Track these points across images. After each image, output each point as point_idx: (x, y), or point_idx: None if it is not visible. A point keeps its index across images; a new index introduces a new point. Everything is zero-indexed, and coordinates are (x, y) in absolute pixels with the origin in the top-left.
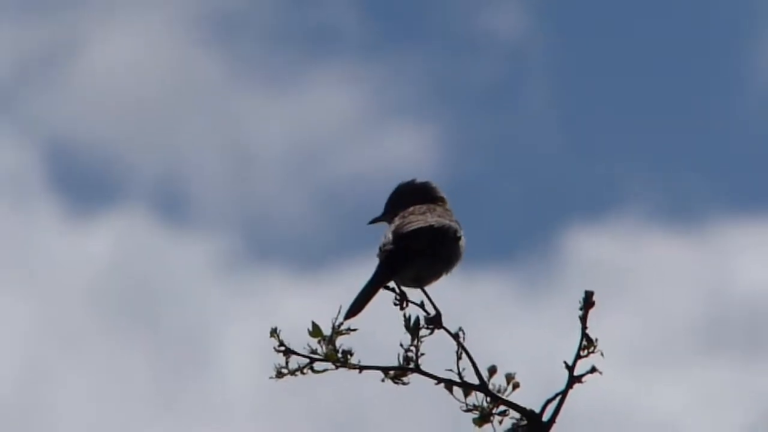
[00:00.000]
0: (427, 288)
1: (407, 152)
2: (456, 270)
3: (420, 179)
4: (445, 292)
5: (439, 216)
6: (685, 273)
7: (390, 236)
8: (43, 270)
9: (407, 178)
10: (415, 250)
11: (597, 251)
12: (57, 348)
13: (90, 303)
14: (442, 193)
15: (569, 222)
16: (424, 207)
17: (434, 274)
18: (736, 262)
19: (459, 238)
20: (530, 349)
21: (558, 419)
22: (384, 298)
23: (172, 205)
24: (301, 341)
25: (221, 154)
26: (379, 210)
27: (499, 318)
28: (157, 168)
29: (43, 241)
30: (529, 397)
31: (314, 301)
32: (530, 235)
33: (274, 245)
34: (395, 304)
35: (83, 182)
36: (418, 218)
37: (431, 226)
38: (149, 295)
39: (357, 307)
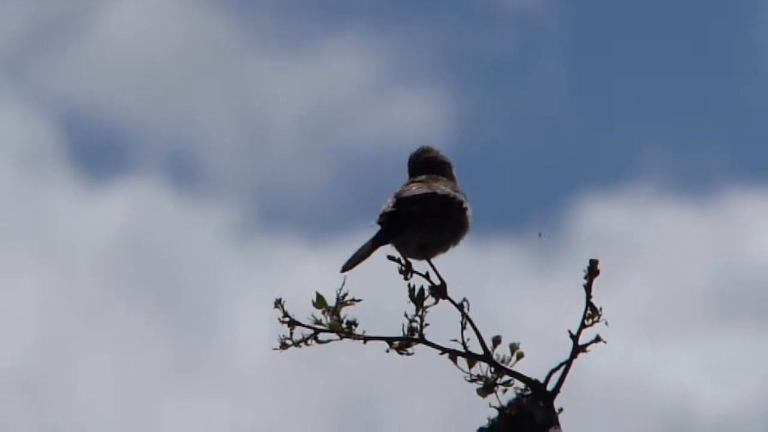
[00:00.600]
0: (433, 259)
1: (420, 121)
2: (463, 242)
3: (425, 150)
4: (454, 262)
5: (444, 185)
6: (698, 243)
7: (391, 201)
8: (57, 238)
9: (415, 149)
10: (416, 215)
11: (609, 222)
12: (70, 317)
13: (104, 271)
14: (448, 161)
15: (581, 193)
16: (425, 176)
17: (440, 244)
18: (748, 232)
19: (465, 209)
20: (538, 319)
21: (563, 388)
22: (389, 268)
23: (186, 172)
24: (311, 310)
25: (235, 122)
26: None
27: (508, 289)
28: (172, 135)
29: (57, 209)
30: (537, 367)
31: (328, 268)
32: (541, 205)
33: (287, 213)
34: (400, 273)
35: (97, 150)
36: (421, 186)
37: (434, 193)
38: (163, 263)
39: (350, 263)
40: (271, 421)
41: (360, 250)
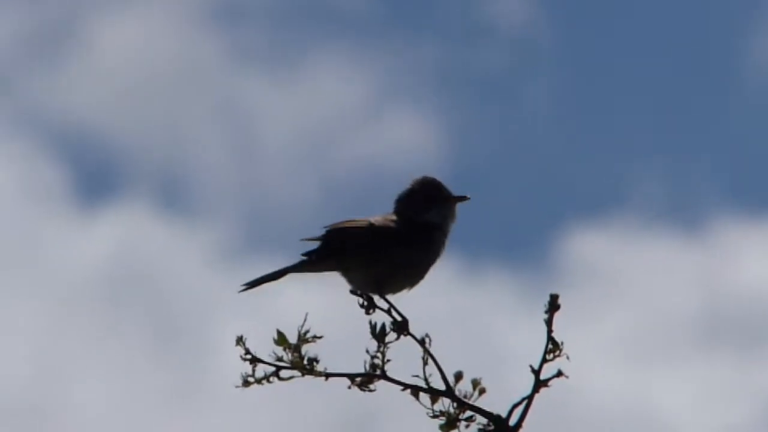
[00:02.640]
0: (393, 297)
1: (410, 140)
2: (425, 277)
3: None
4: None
5: (385, 219)
6: (686, 272)
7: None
8: (45, 260)
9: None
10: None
11: (595, 249)
12: (58, 343)
13: (93, 297)
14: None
15: (569, 219)
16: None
17: (387, 280)
18: (736, 260)
19: (412, 245)
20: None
21: (525, 423)
22: (351, 304)
23: (174, 193)
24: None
25: (223, 141)
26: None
27: (494, 319)
28: (159, 155)
29: (44, 232)
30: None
31: (314, 292)
32: (529, 232)
33: (276, 234)
34: (361, 308)
35: (84, 170)
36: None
37: (370, 225)
38: (153, 288)
39: (255, 282)
40: None
41: (270, 273)
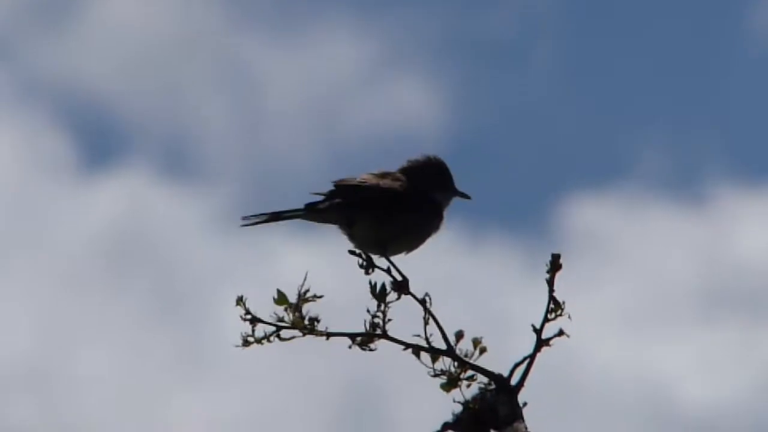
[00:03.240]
0: (395, 257)
1: (413, 106)
2: (429, 240)
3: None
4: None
5: (393, 180)
6: (687, 240)
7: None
8: (51, 224)
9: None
10: (354, 202)
11: (598, 217)
12: (59, 307)
13: (96, 259)
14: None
15: (573, 188)
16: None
17: (393, 240)
18: (738, 229)
19: (421, 210)
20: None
21: (526, 382)
22: (350, 263)
23: (178, 159)
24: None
25: (228, 107)
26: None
27: (496, 284)
28: (163, 122)
29: (47, 199)
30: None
31: (318, 256)
32: (532, 199)
33: (281, 201)
34: (360, 268)
35: (90, 135)
36: (371, 178)
37: (381, 185)
38: (156, 253)
39: (258, 218)
40: (262, 412)
41: (273, 214)
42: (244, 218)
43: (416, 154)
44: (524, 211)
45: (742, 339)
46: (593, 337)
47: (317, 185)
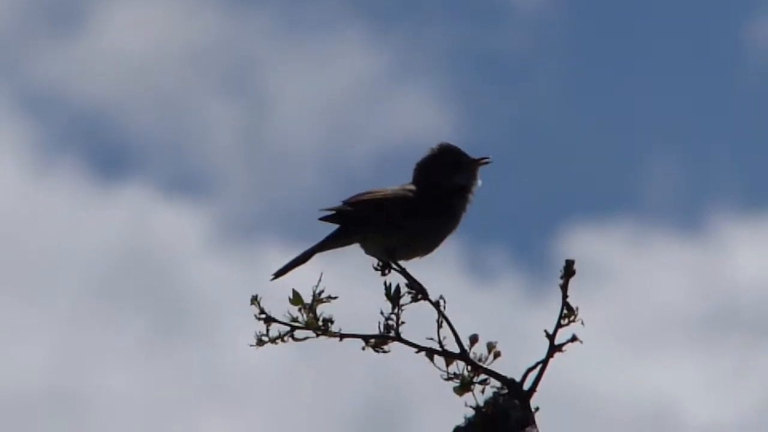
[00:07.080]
0: (407, 264)
1: (423, 121)
2: (440, 245)
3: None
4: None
5: (407, 191)
6: (688, 269)
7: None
8: (54, 239)
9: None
10: (363, 220)
11: (598, 245)
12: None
13: (104, 273)
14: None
15: (574, 211)
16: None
17: (400, 248)
18: (735, 256)
19: (431, 214)
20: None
21: (539, 388)
22: (366, 265)
23: (184, 174)
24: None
25: (236, 121)
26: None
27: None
28: (168, 134)
29: (56, 212)
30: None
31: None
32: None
33: (286, 213)
34: (376, 270)
35: (93, 148)
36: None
37: (385, 197)
38: (161, 268)
39: (284, 269)
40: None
41: (298, 257)
42: (273, 274)
43: (419, 156)
44: (526, 234)
45: (741, 362)
46: (596, 360)
47: (326, 200)
